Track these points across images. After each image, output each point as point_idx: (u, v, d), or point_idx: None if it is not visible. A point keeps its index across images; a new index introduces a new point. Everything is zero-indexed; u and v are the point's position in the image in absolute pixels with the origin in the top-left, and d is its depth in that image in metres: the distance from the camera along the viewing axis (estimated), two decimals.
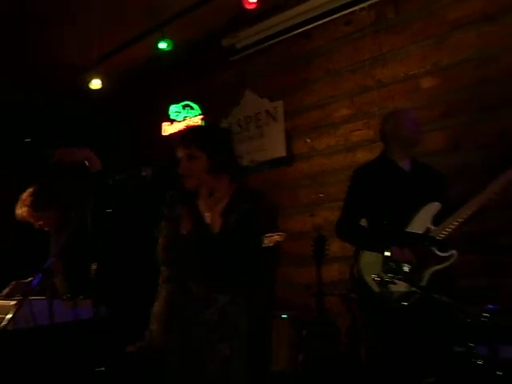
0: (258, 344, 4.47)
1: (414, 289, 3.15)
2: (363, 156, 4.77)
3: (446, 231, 3.32)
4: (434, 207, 3.42)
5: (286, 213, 5.45)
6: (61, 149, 2.72)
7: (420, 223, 3.39)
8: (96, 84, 6.20)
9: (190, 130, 2.86)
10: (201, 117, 6.01)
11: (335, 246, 4.69)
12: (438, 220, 3.39)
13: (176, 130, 5.99)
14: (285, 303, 5.04)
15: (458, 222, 3.30)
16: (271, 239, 3.90)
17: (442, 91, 4.50)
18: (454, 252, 3.31)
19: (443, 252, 3.31)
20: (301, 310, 4.83)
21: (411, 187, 3.49)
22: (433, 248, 3.27)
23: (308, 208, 5.32)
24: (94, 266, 3.27)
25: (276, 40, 5.63)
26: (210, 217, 2.59)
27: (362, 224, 3.53)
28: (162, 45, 5.69)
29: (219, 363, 2.52)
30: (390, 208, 3.43)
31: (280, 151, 5.53)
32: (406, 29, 4.79)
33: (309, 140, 5.37)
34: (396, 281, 2.86)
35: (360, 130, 4.98)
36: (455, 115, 4.41)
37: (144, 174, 2.72)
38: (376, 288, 3.19)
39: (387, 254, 2.73)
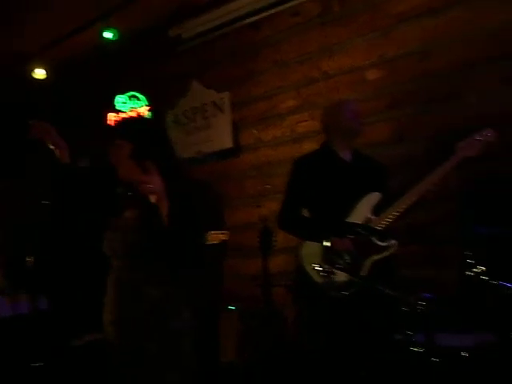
0: (206, 336, 4.46)
1: (354, 278, 3.17)
2: (309, 147, 4.74)
3: (387, 221, 3.35)
4: (374, 197, 3.45)
5: (232, 204, 5.44)
6: (43, 123, 2.66)
7: (360, 213, 3.42)
8: (40, 73, 6.06)
9: (120, 121, 2.86)
10: (147, 108, 5.92)
11: (281, 237, 4.67)
12: (378, 210, 3.41)
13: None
14: (232, 295, 5.03)
15: (398, 212, 3.34)
16: (216, 237, 3.88)
17: (387, 83, 4.53)
18: (393, 242, 3.34)
19: (383, 242, 3.34)
20: (248, 301, 4.82)
21: (352, 178, 3.52)
22: (373, 238, 3.30)
23: (255, 199, 5.31)
24: (30, 259, 3.19)
25: (223, 31, 5.59)
26: (155, 198, 2.52)
27: (303, 214, 3.53)
28: (107, 34, 5.59)
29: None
30: (331, 198, 3.45)
31: (227, 142, 5.50)
32: (351, 21, 4.81)
33: (255, 131, 5.36)
34: (336, 271, 2.87)
35: (306, 121, 4.99)
36: (400, 107, 4.45)
37: (81, 165, 2.66)
38: (317, 278, 3.21)
39: (326, 244, 2.74)
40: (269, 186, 5.10)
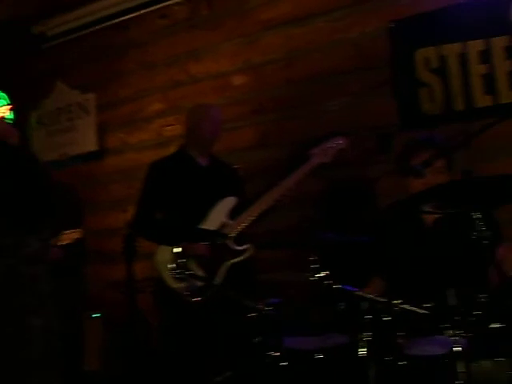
0: (70, 344, 4.28)
1: (214, 283, 3.16)
2: None
3: (243, 225, 3.36)
4: (229, 202, 3.46)
5: (98, 208, 5.28)
6: None
7: (216, 218, 3.42)
8: None
9: None
10: (9, 107, 5.64)
11: (147, 243, 4.59)
12: (234, 214, 3.42)
13: None
14: (96, 302, 4.88)
15: (253, 216, 3.36)
16: (69, 236, 3.74)
17: (253, 89, 4.57)
18: (249, 246, 3.36)
19: (239, 246, 3.35)
20: (114, 308, 4.68)
21: (208, 182, 3.52)
22: (228, 242, 3.30)
23: (120, 203, 5.18)
24: None
25: (90, 29, 5.42)
26: None
27: (158, 219, 3.49)
28: None
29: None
30: (186, 203, 3.44)
31: (91, 145, 5.36)
32: (219, 25, 4.81)
33: (122, 134, 5.24)
34: (189, 276, 2.84)
35: (172, 125, 4.93)
36: (264, 113, 4.50)
37: None
38: (172, 283, 3.18)
39: (176, 250, 2.69)
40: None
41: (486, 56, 3.86)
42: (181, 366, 3.33)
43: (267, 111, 4.47)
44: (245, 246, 3.37)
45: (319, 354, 2.57)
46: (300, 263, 4.06)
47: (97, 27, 5.41)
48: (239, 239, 3.33)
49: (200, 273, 3.28)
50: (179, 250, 2.68)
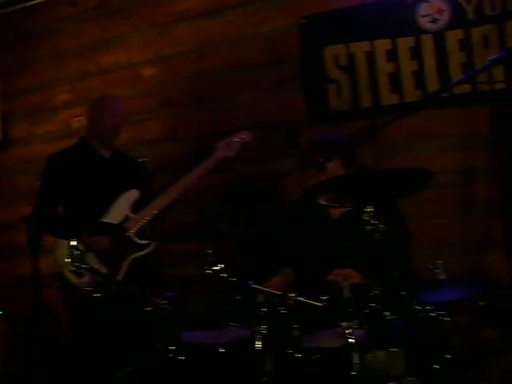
0: None
1: (113, 278, 3.10)
2: None
3: (146, 219, 3.32)
4: (132, 195, 3.42)
5: (3, 200, 5.10)
6: None
7: (119, 211, 3.37)
8: None
9: None
10: None
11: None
12: (138, 208, 3.37)
13: None
14: (1, 299, 4.70)
15: (157, 210, 3.32)
16: None
17: (163, 81, 4.52)
18: (152, 240, 3.32)
19: (141, 240, 3.30)
20: (18, 305, 4.51)
21: (110, 175, 3.46)
22: (131, 236, 3.25)
23: (26, 196, 4.98)
24: None
25: None
26: None
27: (57, 212, 3.40)
28: None
29: None
30: (88, 196, 3.36)
31: None
32: (130, 15, 4.72)
33: (28, 125, 5.06)
34: (88, 271, 2.77)
35: (81, 116, 4.77)
36: (174, 105, 4.45)
37: None
38: (73, 278, 3.11)
39: (72, 243, 2.61)
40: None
41: (392, 55, 3.94)
42: (83, 362, 3.24)
43: (177, 104, 4.43)
44: (148, 240, 3.32)
45: (219, 347, 2.54)
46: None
47: (4, 10, 5.18)
48: (142, 233, 3.28)
49: (102, 267, 3.22)
50: (74, 243, 2.60)
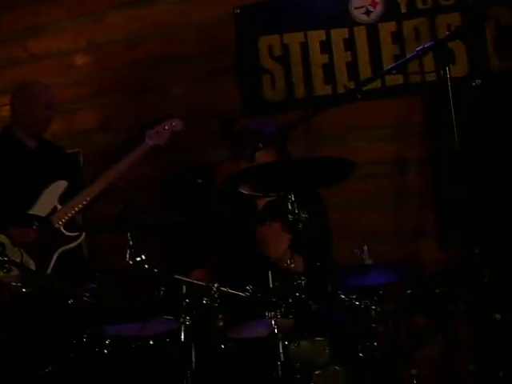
0: None
1: (41, 272, 3.01)
2: None
3: (74, 210, 3.24)
4: (60, 186, 3.33)
5: None
6: None
7: (46, 202, 3.29)
8: None
9: None
10: None
11: None
12: (66, 199, 3.29)
13: None
14: None
15: (85, 201, 3.25)
16: None
17: (95, 70, 4.43)
18: (81, 232, 3.25)
19: (70, 232, 3.23)
20: None
21: (37, 166, 3.36)
22: (60, 228, 3.17)
23: None
24: None
25: None
26: None
27: None
28: None
29: None
30: (13, 187, 3.26)
31: None
32: (62, 2, 4.60)
33: None
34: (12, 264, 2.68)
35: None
36: (107, 95, 4.37)
37: None
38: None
39: None
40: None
41: (326, 46, 3.95)
42: (9, 360, 3.15)
43: (110, 93, 4.35)
44: (77, 232, 3.24)
45: (145, 340, 2.51)
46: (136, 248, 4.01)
47: None
48: (71, 225, 3.21)
49: (29, 262, 3.12)
50: None
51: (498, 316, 2.90)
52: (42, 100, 3.40)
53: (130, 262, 2.31)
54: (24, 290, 2.89)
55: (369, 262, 2.70)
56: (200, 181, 3.00)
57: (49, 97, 3.45)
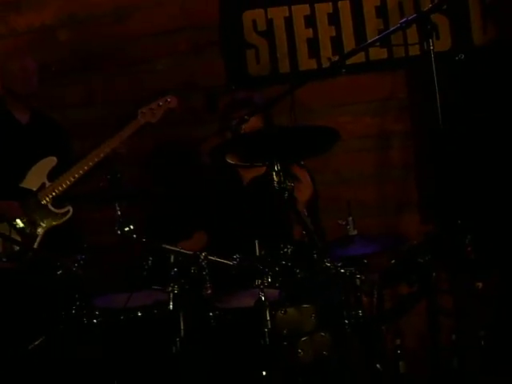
0: None
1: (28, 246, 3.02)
2: None
3: (62, 187, 3.24)
4: (49, 162, 3.34)
5: None
6: None
7: (35, 178, 3.29)
8: None
9: None
10: None
11: None
12: (55, 175, 3.29)
13: None
14: None
15: (74, 177, 3.25)
16: None
17: (79, 45, 4.38)
18: (70, 208, 3.25)
19: (58, 208, 3.23)
20: None
21: (28, 140, 3.35)
22: (48, 204, 3.18)
23: None
24: None
25: None
26: None
27: None
28: None
29: None
30: (3, 163, 3.24)
31: None
32: None
33: None
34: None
35: None
36: (92, 69, 4.33)
37: None
38: None
39: None
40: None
41: (310, 21, 3.96)
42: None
43: (94, 69, 4.31)
44: (65, 209, 3.25)
45: (135, 311, 2.54)
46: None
47: None
48: (58, 201, 3.20)
49: (16, 237, 3.12)
50: None
51: (479, 285, 2.96)
52: (16, 72, 3.39)
53: (119, 232, 2.32)
54: (10, 264, 2.91)
55: (353, 233, 2.75)
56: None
57: (24, 68, 3.42)
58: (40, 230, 3.20)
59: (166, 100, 3.43)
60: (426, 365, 3.33)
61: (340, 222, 2.68)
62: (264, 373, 2.22)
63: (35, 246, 3.21)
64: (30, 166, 3.28)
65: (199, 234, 3.10)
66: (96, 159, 3.27)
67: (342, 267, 2.39)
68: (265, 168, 2.79)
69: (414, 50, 3.78)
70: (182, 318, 2.32)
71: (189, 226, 3.12)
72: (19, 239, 3.14)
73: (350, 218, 2.68)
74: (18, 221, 3.12)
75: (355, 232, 2.69)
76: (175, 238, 2.75)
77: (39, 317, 3.01)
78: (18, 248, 3.08)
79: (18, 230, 3.11)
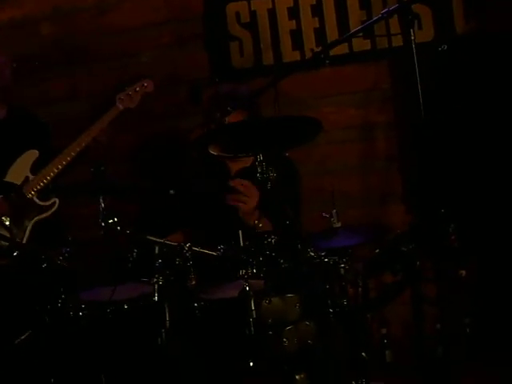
0: None
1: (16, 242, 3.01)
2: None
3: (47, 179, 3.23)
4: (31, 155, 3.32)
5: None
6: None
7: (18, 172, 3.27)
8: None
9: None
10: None
11: None
12: (38, 168, 3.28)
13: None
14: None
15: (57, 169, 3.24)
16: None
17: (62, 38, 4.36)
18: (55, 200, 3.25)
19: (44, 201, 3.23)
20: None
21: (6, 136, 3.33)
22: (33, 197, 3.17)
23: None
24: None
25: None
26: None
27: None
28: None
29: None
30: None
31: None
32: None
33: None
34: None
35: None
36: (75, 63, 4.31)
37: None
38: None
39: None
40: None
41: (294, 12, 3.96)
42: None
43: (78, 62, 4.30)
44: (51, 201, 3.24)
45: (120, 303, 2.54)
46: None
47: None
48: (44, 194, 3.20)
49: (3, 232, 3.12)
50: None
51: (462, 272, 3.00)
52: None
53: (102, 224, 2.33)
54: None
55: (337, 225, 2.77)
56: (172, 191, 3.00)
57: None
58: (27, 225, 3.19)
59: (143, 84, 3.44)
60: (411, 354, 3.36)
61: (324, 214, 2.69)
62: (251, 364, 2.23)
63: (24, 240, 3.20)
64: (10, 160, 3.27)
65: (184, 230, 3.10)
66: (78, 149, 3.26)
67: (325, 256, 2.41)
68: (252, 159, 2.79)
69: (397, 41, 3.81)
70: (167, 310, 2.33)
71: (176, 220, 3.12)
72: (7, 235, 3.12)
73: (334, 211, 2.69)
74: (4, 217, 3.10)
75: (339, 224, 2.70)
76: (162, 232, 2.75)
77: (25, 311, 3.01)
78: (6, 244, 3.06)
79: (5, 227, 3.09)
